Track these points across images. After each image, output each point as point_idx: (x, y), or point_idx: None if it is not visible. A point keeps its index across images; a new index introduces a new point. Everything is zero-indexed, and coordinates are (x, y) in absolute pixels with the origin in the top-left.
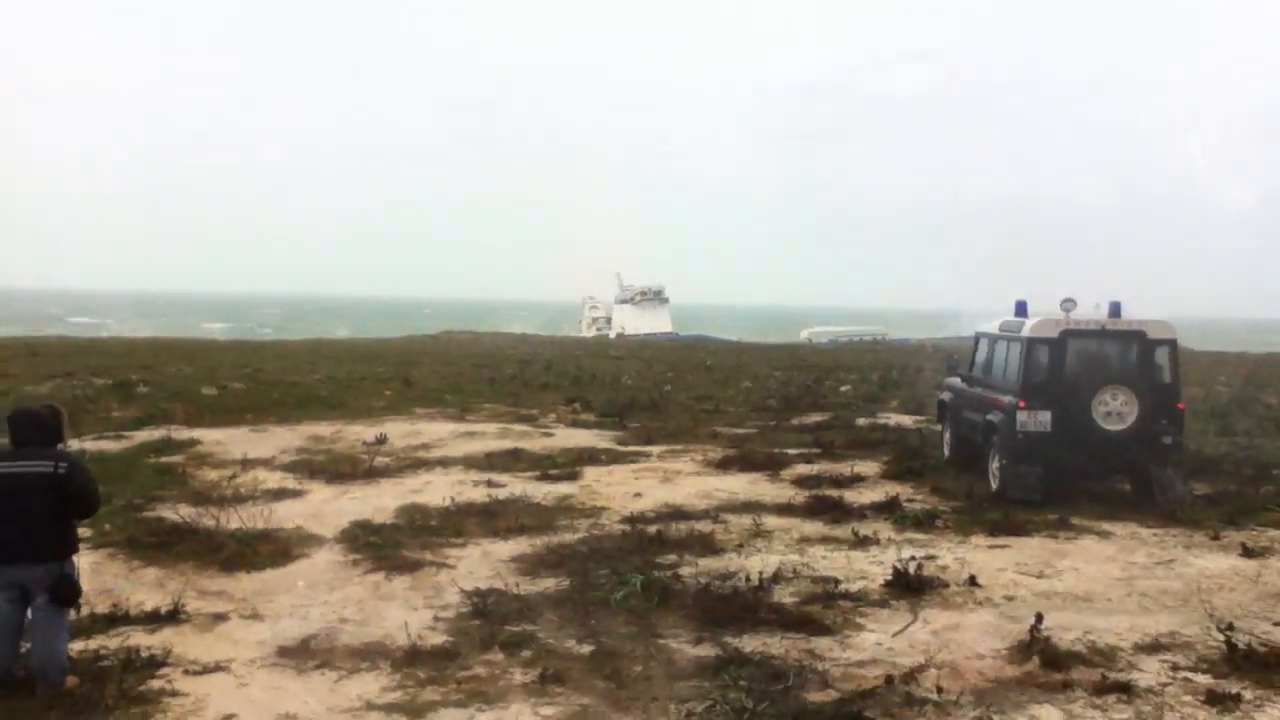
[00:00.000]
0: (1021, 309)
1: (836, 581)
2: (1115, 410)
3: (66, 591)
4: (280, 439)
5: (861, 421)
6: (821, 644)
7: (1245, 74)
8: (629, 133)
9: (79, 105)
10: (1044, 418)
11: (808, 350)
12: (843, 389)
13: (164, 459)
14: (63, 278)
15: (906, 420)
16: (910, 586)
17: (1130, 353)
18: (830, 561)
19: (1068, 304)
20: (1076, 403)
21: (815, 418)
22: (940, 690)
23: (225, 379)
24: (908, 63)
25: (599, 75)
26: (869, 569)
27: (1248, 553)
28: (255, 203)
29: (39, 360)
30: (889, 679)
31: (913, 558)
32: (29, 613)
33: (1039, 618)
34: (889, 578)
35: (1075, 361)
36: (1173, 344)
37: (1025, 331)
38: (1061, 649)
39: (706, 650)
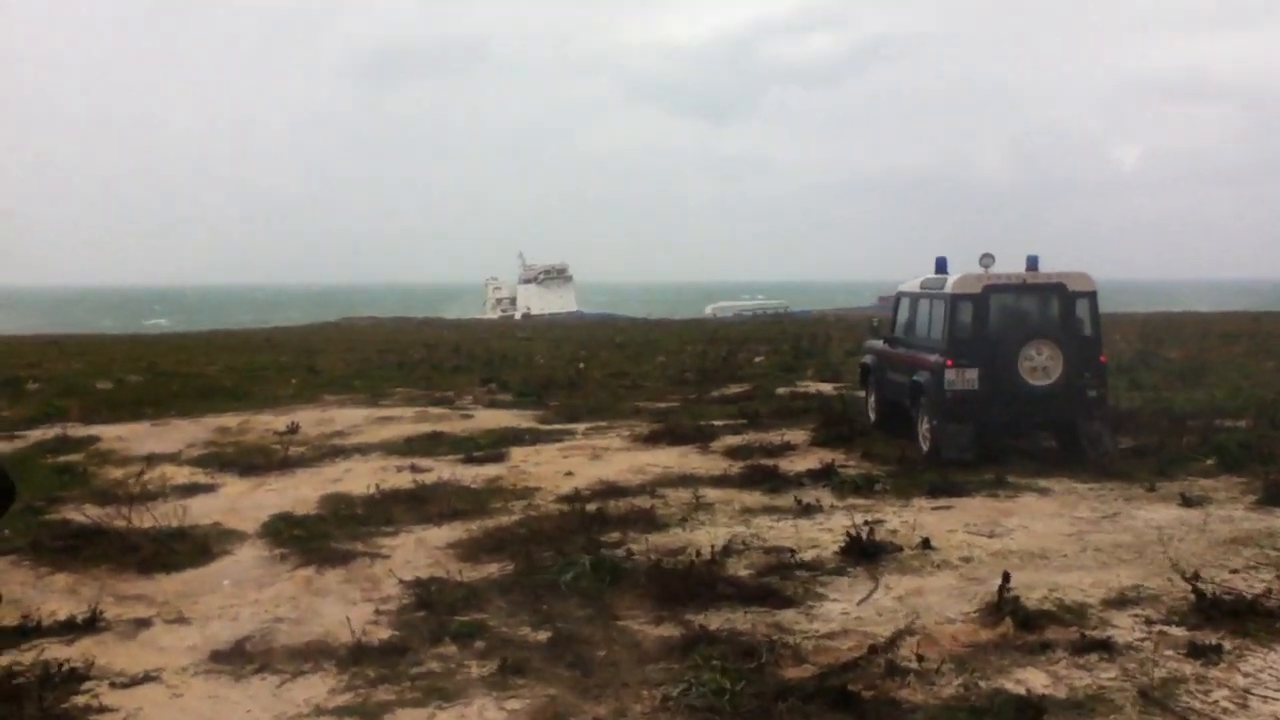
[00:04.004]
0: (942, 266)
1: (792, 551)
2: (1040, 365)
3: None
4: (185, 432)
5: (782, 390)
6: (787, 616)
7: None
8: (521, 105)
9: None
10: (971, 375)
11: (714, 324)
12: (757, 360)
13: (62, 458)
14: None
15: (826, 387)
16: (865, 552)
17: (1052, 306)
18: (778, 531)
19: (986, 259)
20: (1002, 359)
21: (735, 389)
22: (921, 659)
23: (120, 373)
24: (808, 30)
25: (484, 44)
26: (819, 537)
27: (1187, 502)
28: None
29: None
30: (871, 649)
31: (865, 523)
32: None
33: (1006, 577)
34: (842, 545)
35: (999, 317)
36: (1093, 296)
37: (948, 288)
38: (1031, 608)
39: (670, 630)
